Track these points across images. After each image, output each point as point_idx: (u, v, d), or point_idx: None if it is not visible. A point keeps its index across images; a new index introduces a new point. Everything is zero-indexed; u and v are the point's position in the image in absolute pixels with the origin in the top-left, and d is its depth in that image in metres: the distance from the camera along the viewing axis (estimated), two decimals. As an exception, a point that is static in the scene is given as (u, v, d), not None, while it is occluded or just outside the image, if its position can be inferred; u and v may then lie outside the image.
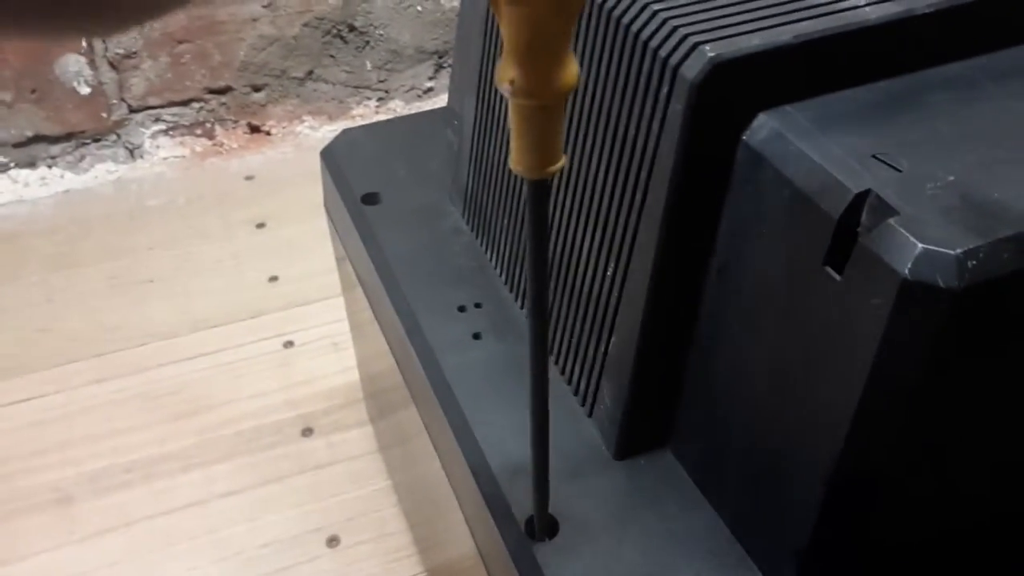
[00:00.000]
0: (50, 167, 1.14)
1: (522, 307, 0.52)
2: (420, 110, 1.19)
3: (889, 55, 0.37)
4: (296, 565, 0.75)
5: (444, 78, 1.23)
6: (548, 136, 0.30)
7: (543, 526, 0.41)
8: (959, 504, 0.38)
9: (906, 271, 0.30)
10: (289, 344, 0.94)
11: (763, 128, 0.35)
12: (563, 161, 0.31)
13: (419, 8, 1.18)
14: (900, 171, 0.33)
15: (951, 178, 0.32)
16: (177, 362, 0.92)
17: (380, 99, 1.22)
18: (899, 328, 0.31)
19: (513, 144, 0.30)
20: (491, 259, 0.56)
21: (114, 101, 1.13)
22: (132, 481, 0.82)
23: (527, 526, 0.41)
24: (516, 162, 0.31)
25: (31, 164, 1.14)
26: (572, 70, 0.28)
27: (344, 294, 0.76)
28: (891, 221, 0.31)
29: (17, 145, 1.12)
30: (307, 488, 0.80)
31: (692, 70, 0.34)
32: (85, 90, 1.12)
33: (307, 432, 0.85)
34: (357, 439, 0.84)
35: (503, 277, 0.54)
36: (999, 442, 0.36)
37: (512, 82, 0.28)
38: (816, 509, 0.36)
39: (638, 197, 0.39)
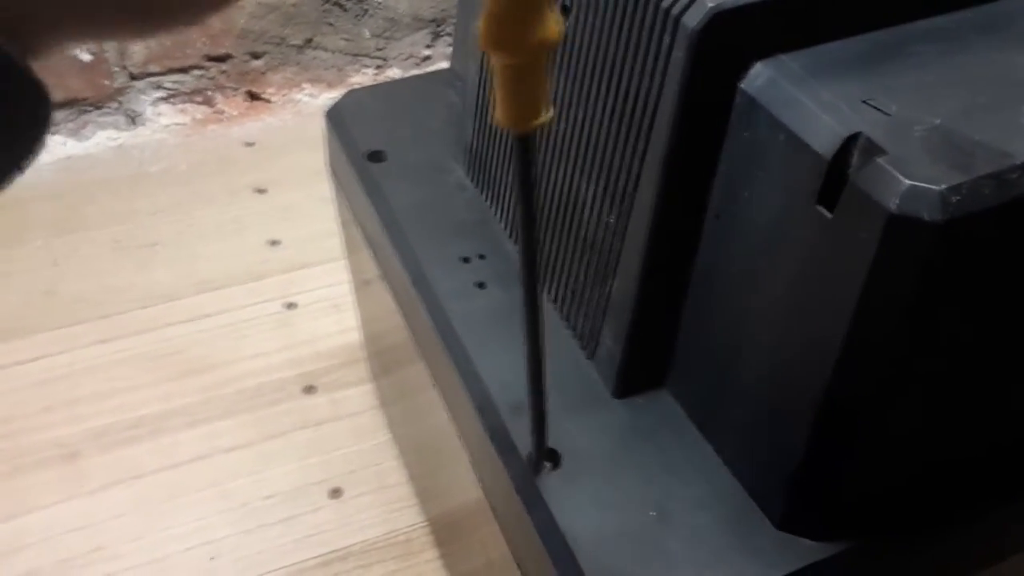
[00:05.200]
0: (52, 134, 1.15)
1: (524, 258, 0.54)
2: (418, 79, 1.21)
3: (878, 7, 0.39)
4: (300, 515, 0.77)
5: (442, 46, 1.24)
6: (530, 91, 0.30)
7: (543, 453, 0.43)
8: (944, 432, 0.40)
9: (893, 206, 0.32)
10: (291, 306, 0.96)
11: (759, 76, 0.37)
12: (549, 115, 0.31)
13: (417, -23, 1.19)
14: (888, 115, 0.35)
15: (936, 122, 0.34)
16: (181, 323, 0.94)
17: (378, 67, 1.24)
18: (887, 260, 0.33)
19: (496, 98, 0.31)
20: (494, 212, 0.57)
21: (115, 68, 1.14)
22: (138, 437, 0.84)
23: (530, 459, 0.44)
24: (500, 117, 0.31)
25: (32, 130, 1.15)
26: (551, 28, 0.28)
27: (348, 256, 0.78)
28: (879, 160, 0.33)
29: (19, 111, 1.13)
30: (310, 443, 0.83)
31: (693, 19, 0.36)
32: (86, 57, 1.13)
33: (309, 390, 0.87)
34: (358, 396, 0.86)
35: (506, 230, 0.56)
36: (983, 371, 0.38)
37: (489, 40, 0.28)
38: (806, 438, 0.38)
39: (640, 144, 0.41)
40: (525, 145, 0.33)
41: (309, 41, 1.19)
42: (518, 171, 0.34)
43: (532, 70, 0.30)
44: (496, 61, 0.29)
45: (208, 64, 1.17)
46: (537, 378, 0.40)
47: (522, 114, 0.31)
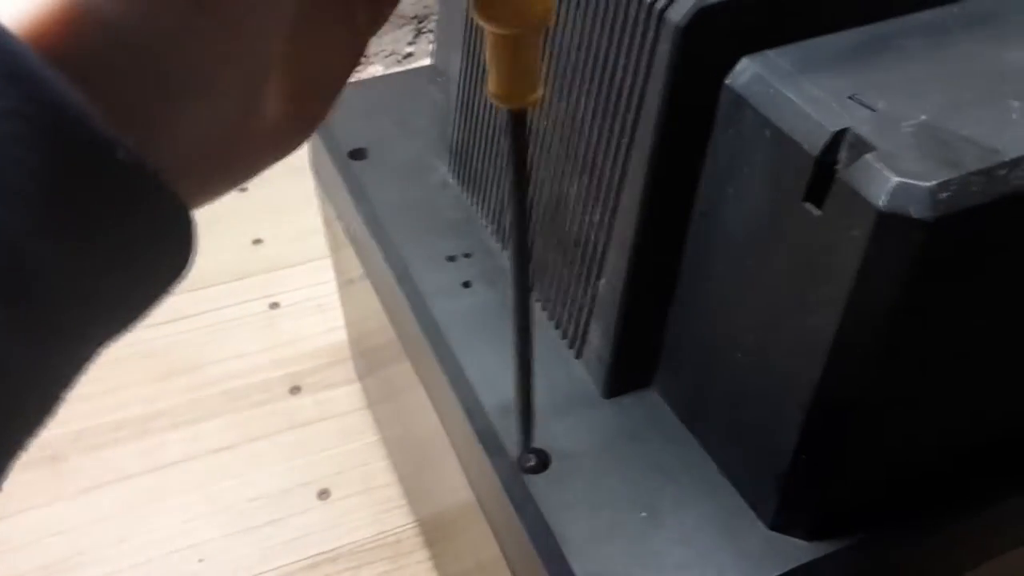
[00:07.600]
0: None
1: (510, 256, 0.54)
2: (400, 75, 1.20)
3: (865, 2, 0.38)
4: (288, 517, 0.76)
5: (424, 43, 1.23)
6: (525, 65, 0.30)
7: (530, 453, 0.43)
8: (936, 429, 0.40)
9: (882, 203, 0.31)
10: (274, 305, 0.95)
11: (745, 72, 0.37)
12: (540, 91, 0.31)
13: (398, -27, 1.18)
14: (876, 111, 0.34)
15: (924, 117, 0.34)
16: (163, 323, 0.93)
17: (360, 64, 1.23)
18: (876, 257, 0.32)
19: (490, 71, 0.30)
20: (478, 211, 0.57)
21: (93, 66, 1.13)
22: (122, 439, 0.83)
23: (519, 460, 0.43)
24: (493, 92, 0.31)
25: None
26: (546, 1, 0.28)
27: (332, 255, 0.77)
28: (867, 157, 0.32)
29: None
30: (296, 444, 0.82)
31: (678, 14, 0.36)
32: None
33: (295, 390, 0.86)
34: (345, 396, 0.86)
35: (490, 228, 0.56)
36: (974, 367, 0.38)
37: (484, 11, 0.28)
38: (796, 436, 0.38)
39: (625, 141, 0.41)
40: (518, 122, 0.32)
41: (290, 37, 1.18)
42: (511, 149, 0.33)
43: (526, 44, 0.29)
44: (490, 32, 0.29)
45: (188, 61, 1.16)
46: (525, 373, 0.40)
47: (514, 89, 0.30)
